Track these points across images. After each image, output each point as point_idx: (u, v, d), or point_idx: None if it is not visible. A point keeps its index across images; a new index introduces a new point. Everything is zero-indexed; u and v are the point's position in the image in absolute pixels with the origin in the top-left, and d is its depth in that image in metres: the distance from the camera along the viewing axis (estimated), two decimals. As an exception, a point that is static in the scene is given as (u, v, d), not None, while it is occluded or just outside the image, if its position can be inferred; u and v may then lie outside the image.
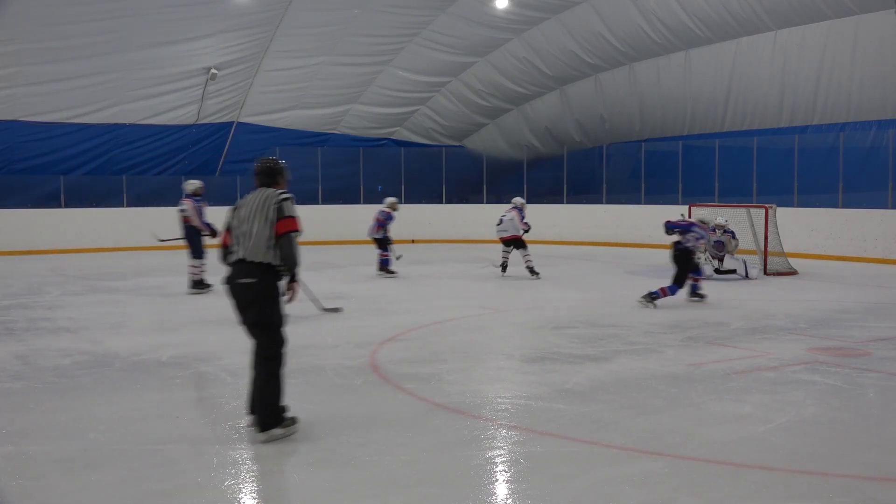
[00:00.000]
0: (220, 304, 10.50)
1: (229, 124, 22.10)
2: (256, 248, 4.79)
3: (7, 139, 19.33)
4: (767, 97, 18.69)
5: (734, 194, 18.16)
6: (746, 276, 12.84)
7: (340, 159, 23.17)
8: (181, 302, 10.78)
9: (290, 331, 8.35)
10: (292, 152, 22.72)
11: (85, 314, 9.61)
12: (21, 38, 17.15)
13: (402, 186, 22.89)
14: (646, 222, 19.92)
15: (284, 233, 4.79)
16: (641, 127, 22.17)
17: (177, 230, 11.94)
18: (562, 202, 22.32)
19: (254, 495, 4.01)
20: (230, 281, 4.89)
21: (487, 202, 23.27)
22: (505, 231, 13.81)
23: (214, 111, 21.36)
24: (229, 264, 4.94)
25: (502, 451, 4.59)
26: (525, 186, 23.15)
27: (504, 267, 13.96)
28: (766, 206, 13.98)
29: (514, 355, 7.28)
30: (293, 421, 4.94)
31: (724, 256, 13.06)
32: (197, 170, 22.18)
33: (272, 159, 5.27)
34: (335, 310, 9.52)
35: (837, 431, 4.96)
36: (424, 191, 23.40)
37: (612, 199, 21.39)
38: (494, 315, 9.52)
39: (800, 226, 15.96)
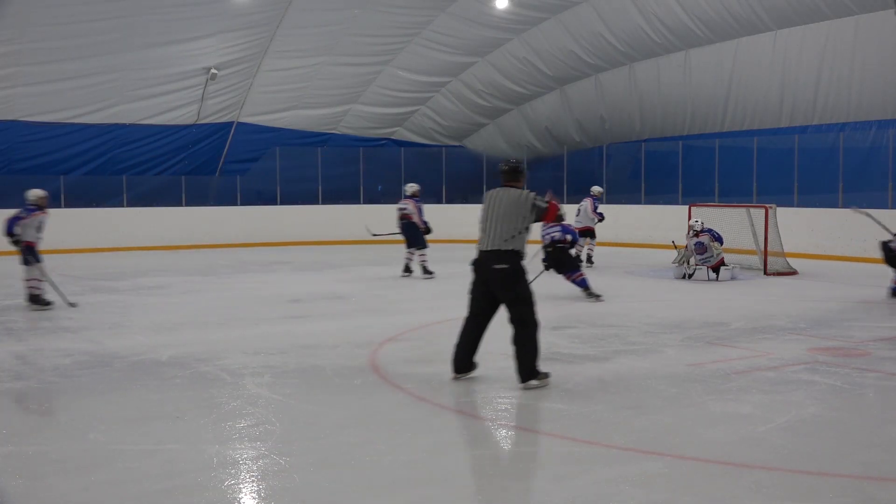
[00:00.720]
0: (224, 303, 10.55)
1: (229, 124, 22.09)
2: (507, 239, 5.82)
3: (7, 139, 19.31)
4: (767, 97, 18.67)
5: (734, 194, 18.15)
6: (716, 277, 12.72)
7: (340, 159, 23.15)
8: (181, 302, 10.78)
9: (291, 330, 8.37)
10: (292, 152, 22.72)
11: (85, 314, 9.62)
12: (21, 38, 17.12)
13: (402, 186, 22.84)
14: (646, 222, 19.93)
15: (556, 217, 6.33)
16: (641, 127, 22.15)
17: (392, 226, 13.98)
18: (562, 202, 22.26)
19: (254, 495, 4.01)
20: (482, 265, 5.94)
21: (487, 202, 23.23)
22: (580, 222, 14.12)
23: (214, 111, 21.35)
24: (480, 251, 5.96)
25: (502, 451, 4.59)
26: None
27: (588, 258, 14.51)
28: (766, 206, 13.97)
29: (514, 355, 7.27)
30: (546, 375, 5.93)
31: (710, 261, 12.68)
32: (197, 170, 22.22)
33: (516, 161, 6.26)
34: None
35: (837, 431, 4.96)
36: (424, 191, 23.34)
37: (612, 199, 21.34)
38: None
39: (800, 226, 15.96)
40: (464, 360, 6.09)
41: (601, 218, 14.81)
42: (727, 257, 13.02)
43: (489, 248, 5.89)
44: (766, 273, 13.37)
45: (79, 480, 4.17)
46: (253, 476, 4.23)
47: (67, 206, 19.66)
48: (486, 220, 5.96)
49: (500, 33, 20.91)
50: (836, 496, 3.91)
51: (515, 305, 5.89)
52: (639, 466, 4.31)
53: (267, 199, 22.01)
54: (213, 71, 19.88)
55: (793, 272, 13.50)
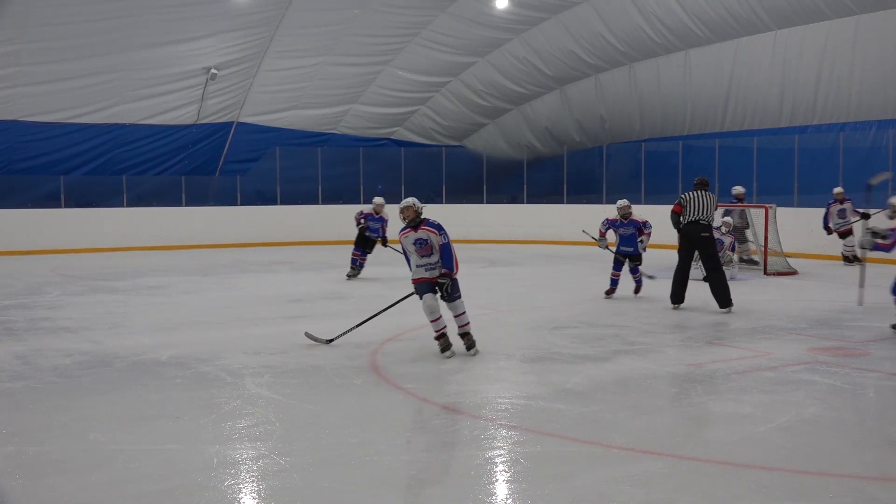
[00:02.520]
0: (224, 303, 10.55)
1: (229, 124, 22.10)
2: (711, 221, 9.75)
3: (7, 139, 19.31)
4: (767, 97, 18.67)
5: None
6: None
7: (340, 159, 23.15)
8: (181, 302, 10.78)
9: (291, 330, 8.36)
10: (292, 152, 22.72)
11: (85, 314, 9.61)
12: (21, 38, 17.12)
13: (402, 186, 22.88)
14: (646, 222, 19.94)
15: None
16: (641, 127, 22.15)
17: None
18: (562, 202, 22.29)
19: (254, 495, 4.01)
20: (693, 233, 9.71)
21: (487, 202, 23.26)
22: None
23: (214, 111, 21.35)
24: (685, 223, 9.75)
25: (502, 451, 4.59)
26: (525, 186, 23.14)
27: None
28: (766, 206, 13.97)
29: (514, 355, 7.28)
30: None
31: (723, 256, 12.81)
32: (197, 170, 22.22)
33: (705, 178, 10.09)
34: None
35: (837, 431, 4.96)
36: (424, 191, 23.35)
37: (613, 199, 21.30)
38: (494, 315, 9.52)
39: (800, 226, 15.94)
40: (680, 295, 9.84)
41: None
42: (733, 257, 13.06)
43: (703, 224, 9.69)
44: (766, 273, 13.36)
45: (79, 480, 4.17)
46: (253, 476, 4.23)
47: (67, 206, 19.68)
48: (698, 210, 9.67)
49: (500, 33, 20.91)
50: (836, 496, 3.91)
51: (712, 258, 9.74)
52: (639, 466, 4.31)
53: (267, 199, 22.01)
54: (213, 71, 19.88)
55: (793, 272, 13.49)
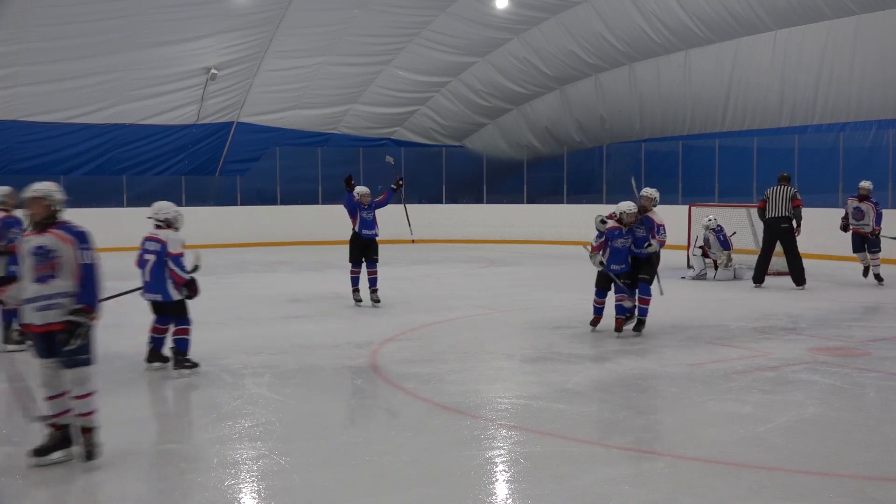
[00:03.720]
0: (224, 303, 10.54)
1: (229, 124, 22.09)
2: (788, 214, 11.18)
3: (7, 139, 19.30)
4: (767, 97, 18.67)
5: (734, 194, 18.14)
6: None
7: (340, 159, 23.12)
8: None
9: (291, 330, 8.36)
10: (292, 152, 22.71)
11: (85, 314, 9.59)
12: (21, 38, 17.11)
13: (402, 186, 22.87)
14: (646, 222, 19.91)
15: (797, 205, 11.28)
16: (641, 127, 22.15)
17: None
18: (562, 202, 22.29)
19: (254, 495, 4.01)
20: (774, 225, 11.29)
21: (487, 202, 23.26)
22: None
23: (214, 111, 21.35)
24: (768, 217, 11.32)
25: (502, 451, 4.60)
26: (525, 186, 23.14)
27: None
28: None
29: (514, 355, 7.28)
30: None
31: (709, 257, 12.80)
32: (197, 170, 22.22)
33: (785, 173, 11.60)
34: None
35: (837, 431, 4.96)
36: (424, 191, 23.37)
37: (612, 199, 21.27)
38: (494, 315, 9.52)
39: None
40: (762, 276, 11.54)
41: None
42: (733, 257, 13.04)
43: (780, 217, 11.21)
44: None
45: (79, 480, 4.17)
46: (253, 476, 4.23)
47: (67, 206, 19.64)
48: (775, 204, 11.21)
49: (500, 33, 20.91)
50: (836, 496, 3.91)
51: (790, 244, 11.29)
52: (639, 466, 4.31)
53: (267, 199, 22.00)
54: (213, 71, 19.87)
55: (793, 272, 13.45)
